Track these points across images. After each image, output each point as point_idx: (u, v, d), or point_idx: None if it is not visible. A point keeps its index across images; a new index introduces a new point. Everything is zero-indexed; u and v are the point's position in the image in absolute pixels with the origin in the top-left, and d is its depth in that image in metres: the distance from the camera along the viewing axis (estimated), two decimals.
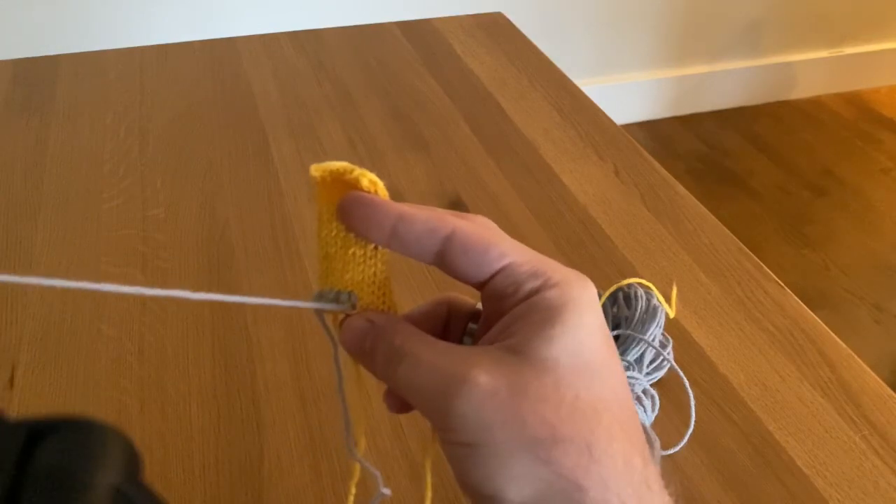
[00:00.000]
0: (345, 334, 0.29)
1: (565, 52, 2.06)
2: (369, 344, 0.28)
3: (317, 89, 0.90)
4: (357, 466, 0.32)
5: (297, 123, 0.83)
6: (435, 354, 0.26)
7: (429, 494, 0.31)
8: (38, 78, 0.90)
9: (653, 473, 0.25)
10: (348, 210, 0.28)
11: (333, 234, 0.29)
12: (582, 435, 0.24)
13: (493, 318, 0.27)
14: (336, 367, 0.31)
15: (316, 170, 0.29)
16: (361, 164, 0.28)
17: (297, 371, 0.53)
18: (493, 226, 0.29)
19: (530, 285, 0.26)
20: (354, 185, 0.29)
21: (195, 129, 0.82)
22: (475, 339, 0.31)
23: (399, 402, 0.30)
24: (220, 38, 1.00)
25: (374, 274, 0.30)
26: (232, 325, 0.57)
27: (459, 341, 0.31)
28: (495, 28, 1.06)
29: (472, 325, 0.31)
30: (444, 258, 0.27)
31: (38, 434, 0.21)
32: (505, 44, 1.02)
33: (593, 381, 0.25)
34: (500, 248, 0.27)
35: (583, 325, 0.25)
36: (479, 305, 0.31)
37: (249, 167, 0.75)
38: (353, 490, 0.33)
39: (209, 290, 0.60)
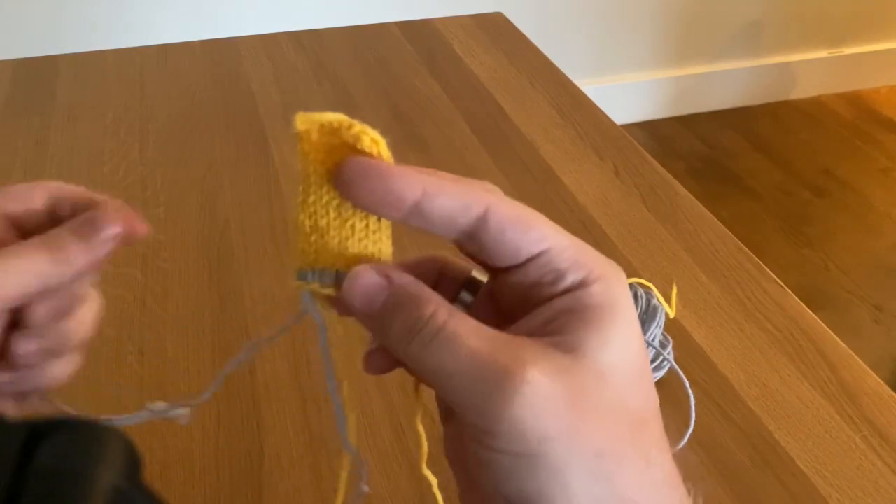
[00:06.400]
0: (353, 289, 0.24)
1: (565, 52, 2.06)
2: (380, 307, 0.23)
3: (317, 89, 0.90)
4: (347, 457, 0.28)
5: None
6: (478, 338, 0.22)
7: (424, 452, 0.27)
8: (38, 78, 0.90)
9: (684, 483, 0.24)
10: (354, 181, 0.23)
11: (325, 201, 0.24)
12: (640, 448, 0.22)
13: (519, 304, 0.24)
14: (324, 356, 0.26)
15: (303, 121, 0.24)
16: None
17: (297, 371, 0.53)
18: (501, 193, 0.26)
19: (573, 276, 0.23)
20: (352, 144, 0.24)
21: (195, 129, 0.82)
22: (471, 313, 0.27)
23: (383, 363, 0.26)
24: (220, 39, 1.00)
25: (381, 251, 0.25)
26: (232, 325, 0.57)
27: None
28: (495, 28, 1.06)
29: (464, 294, 0.27)
30: (474, 237, 0.23)
31: (39, 434, 0.21)
32: (505, 44, 1.02)
33: (641, 388, 0.23)
34: (540, 229, 0.23)
35: (629, 326, 0.23)
36: (476, 273, 0.27)
37: (249, 167, 0.75)
38: (345, 474, 0.29)
39: (209, 288, 0.60)
